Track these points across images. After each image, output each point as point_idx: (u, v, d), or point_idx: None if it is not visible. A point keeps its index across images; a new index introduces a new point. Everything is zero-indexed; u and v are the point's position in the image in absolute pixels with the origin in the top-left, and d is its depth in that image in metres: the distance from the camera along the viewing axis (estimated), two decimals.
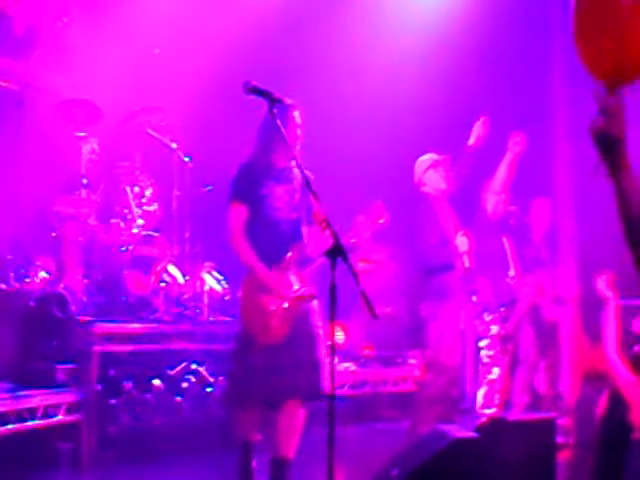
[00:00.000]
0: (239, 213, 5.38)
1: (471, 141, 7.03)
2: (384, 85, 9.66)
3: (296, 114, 5.45)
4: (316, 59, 9.48)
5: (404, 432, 6.81)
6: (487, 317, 8.07)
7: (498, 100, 8.39)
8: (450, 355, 6.78)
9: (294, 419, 5.33)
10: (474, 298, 8.17)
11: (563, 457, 5.94)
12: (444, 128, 8.95)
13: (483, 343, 8.10)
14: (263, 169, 5.44)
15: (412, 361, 8.77)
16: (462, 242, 7.09)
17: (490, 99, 8.56)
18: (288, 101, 5.17)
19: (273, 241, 5.38)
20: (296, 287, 5.33)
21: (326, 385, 5.12)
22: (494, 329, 7.97)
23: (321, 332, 5.37)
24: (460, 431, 4.84)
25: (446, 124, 9.04)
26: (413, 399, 7.20)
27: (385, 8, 9.99)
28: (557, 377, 7.94)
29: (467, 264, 7.07)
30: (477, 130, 7.04)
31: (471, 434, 4.83)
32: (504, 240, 7.95)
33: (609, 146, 2.80)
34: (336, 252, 4.11)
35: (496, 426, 5.03)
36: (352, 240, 5.35)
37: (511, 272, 7.92)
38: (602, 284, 5.96)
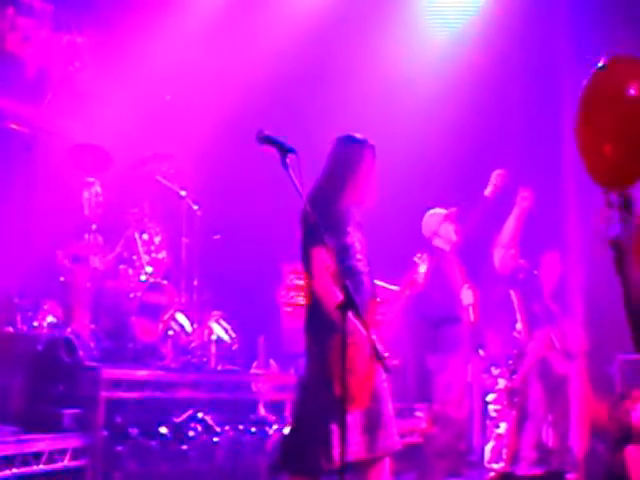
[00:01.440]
0: (327, 261, 4.46)
1: (487, 192, 7.07)
2: (390, 138, 9.65)
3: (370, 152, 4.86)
4: (325, 109, 9.50)
5: None
6: (494, 371, 8.04)
7: (507, 154, 8.43)
8: (457, 408, 6.77)
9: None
10: (481, 352, 8.15)
11: None
12: (452, 181, 9.00)
13: (490, 397, 8.05)
14: (343, 213, 4.72)
15: (419, 414, 8.72)
16: (467, 295, 7.11)
17: (499, 153, 8.61)
18: (358, 136, 4.86)
19: (357, 296, 4.33)
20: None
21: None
22: (501, 383, 7.93)
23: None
24: None
25: (453, 178, 9.08)
26: (420, 452, 7.16)
27: (389, 76, 9.94)
28: (566, 431, 7.89)
29: (472, 317, 7.07)
30: (494, 181, 7.08)
31: None
32: (512, 293, 7.95)
33: (618, 252, 2.92)
34: (347, 306, 3.99)
35: None
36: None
37: (518, 326, 7.91)
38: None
